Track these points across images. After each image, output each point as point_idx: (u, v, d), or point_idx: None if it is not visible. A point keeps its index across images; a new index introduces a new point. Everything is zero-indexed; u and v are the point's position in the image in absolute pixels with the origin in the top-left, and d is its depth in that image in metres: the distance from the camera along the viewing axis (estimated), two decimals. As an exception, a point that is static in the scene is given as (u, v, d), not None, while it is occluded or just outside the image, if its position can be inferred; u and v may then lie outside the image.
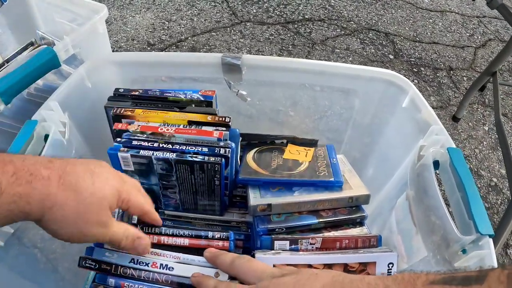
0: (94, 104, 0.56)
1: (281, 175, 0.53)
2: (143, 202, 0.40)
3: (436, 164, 0.48)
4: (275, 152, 0.60)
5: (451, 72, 1.60)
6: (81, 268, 0.40)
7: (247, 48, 1.61)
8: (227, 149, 0.48)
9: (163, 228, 0.45)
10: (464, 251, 0.39)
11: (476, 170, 1.22)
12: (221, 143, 0.49)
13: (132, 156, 0.47)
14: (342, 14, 1.86)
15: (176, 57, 0.61)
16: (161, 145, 0.48)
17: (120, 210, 0.46)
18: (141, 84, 0.61)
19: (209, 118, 0.52)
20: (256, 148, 0.61)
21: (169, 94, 0.55)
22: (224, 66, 0.57)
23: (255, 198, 0.50)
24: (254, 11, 1.83)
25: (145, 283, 0.40)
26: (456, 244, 0.40)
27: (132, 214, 0.42)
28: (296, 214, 0.49)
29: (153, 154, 0.47)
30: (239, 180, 0.53)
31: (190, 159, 0.46)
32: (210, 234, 0.44)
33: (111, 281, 0.40)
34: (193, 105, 0.54)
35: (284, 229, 0.47)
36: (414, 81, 1.53)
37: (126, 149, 0.47)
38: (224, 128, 0.51)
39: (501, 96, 1.49)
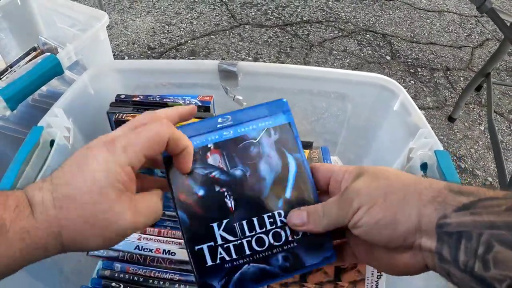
0: (97, 110, 0.58)
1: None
2: (147, 136, 0.29)
3: (424, 166, 0.50)
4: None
5: (448, 72, 1.61)
6: (90, 257, 0.43)
7: (246, 51, 1.63)
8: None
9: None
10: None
11: (471, 169, 1.24)
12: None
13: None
14: (340, 15, 1.88)
15: (176, 64, 0.63)
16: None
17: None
18: (142, 90, 0.63)
19: (207, 123, 0.54)
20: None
21: (169, 100, 0.57)
22: (221, 73, 0.59)
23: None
24: (253, 13, 1.85)
25: (149, 267, 0.43)
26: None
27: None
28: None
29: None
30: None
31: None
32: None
33: (117, 266, 0.43)
34: (192, 110, 0.56)
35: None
36: (411, 82, 1.55)
37: None
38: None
39: (498, 96, 1.50)
